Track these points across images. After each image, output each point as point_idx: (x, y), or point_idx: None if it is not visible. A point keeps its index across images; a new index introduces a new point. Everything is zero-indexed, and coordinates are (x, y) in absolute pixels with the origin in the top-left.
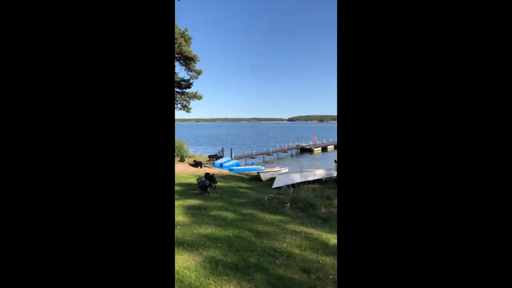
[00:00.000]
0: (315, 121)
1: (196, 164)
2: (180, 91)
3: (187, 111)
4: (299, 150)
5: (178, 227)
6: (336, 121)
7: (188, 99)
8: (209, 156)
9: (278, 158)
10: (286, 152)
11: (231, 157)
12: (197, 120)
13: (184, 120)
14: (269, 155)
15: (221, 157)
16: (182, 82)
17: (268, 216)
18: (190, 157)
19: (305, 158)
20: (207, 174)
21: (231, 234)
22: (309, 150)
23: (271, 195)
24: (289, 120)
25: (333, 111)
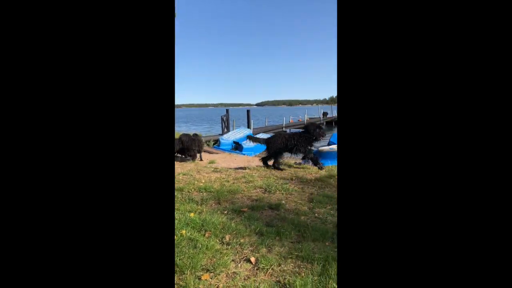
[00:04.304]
0: (284, 106)
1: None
2: None
3: None
4: (324, 123)
5: None
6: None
7: None
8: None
9: None
10: None
11: (249, 126)
12: None
13: None
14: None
15: (225, 128)
16: None
17: None
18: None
19: None
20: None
21: None
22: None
23: None
24: (257, 105)
25: (301, 96)
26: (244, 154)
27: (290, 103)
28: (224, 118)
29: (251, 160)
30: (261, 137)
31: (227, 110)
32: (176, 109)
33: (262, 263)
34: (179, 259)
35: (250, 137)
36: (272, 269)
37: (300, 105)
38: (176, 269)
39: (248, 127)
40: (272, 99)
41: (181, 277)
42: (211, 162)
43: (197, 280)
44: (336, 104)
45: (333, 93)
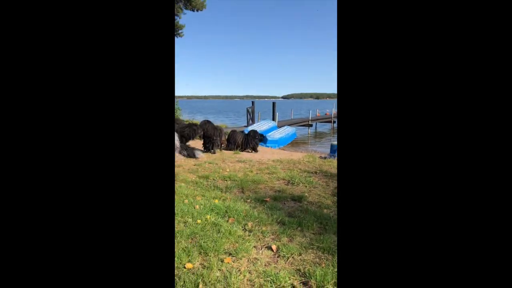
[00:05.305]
0: (310, 99)
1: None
2: None
3: (178, 35)
4: None
5: None
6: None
7: (179, 3)
8: None
9: (333, 130)
10: (335, 121)
11: (274, 119)
12: (189, 97)
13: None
14: (308, 125)
15: (250, 120)
16: None
17: None
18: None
19: None
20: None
21: None
22: None
23: None
24: (283, 97)
25: (329, 89)
26: (268, 146)
27: (317, 96)
28: (250, 110)
29: (276, 152)
30: (278, 131)
31: (252, 102)
32: (202, 100)
33: (283, 251)
34: (203, 242)
35: None
36: (292, 257)
37: (328, 98)
38: (201, 250)
39: (273, 119)
40: (299, 92)
41: (205, 258)
42: (236, 152)
43: (220, 262)
44: None
45: None
